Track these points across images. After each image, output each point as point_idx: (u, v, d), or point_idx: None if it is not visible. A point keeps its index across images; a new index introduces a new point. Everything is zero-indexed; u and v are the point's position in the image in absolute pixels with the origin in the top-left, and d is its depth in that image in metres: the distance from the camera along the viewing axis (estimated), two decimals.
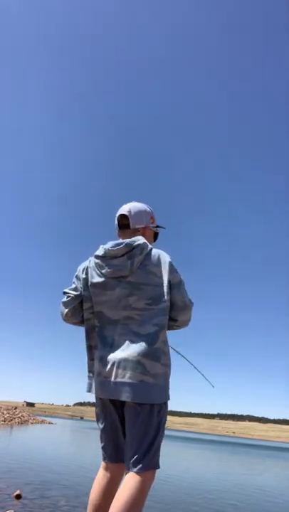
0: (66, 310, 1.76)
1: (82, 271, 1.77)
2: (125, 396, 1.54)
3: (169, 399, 1.66)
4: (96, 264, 1.71)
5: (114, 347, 1.62)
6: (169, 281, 1.65)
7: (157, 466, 1.57)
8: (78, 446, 12.83)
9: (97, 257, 1.72)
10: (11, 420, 22.43)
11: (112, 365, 1.59)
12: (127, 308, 1.63)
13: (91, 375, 1.71)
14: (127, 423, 1.59)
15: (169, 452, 14.02)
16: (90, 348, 1.72)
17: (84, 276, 1.74)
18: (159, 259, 1.68)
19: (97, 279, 1.69)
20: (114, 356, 1.60)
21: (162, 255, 1.71)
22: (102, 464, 1.75)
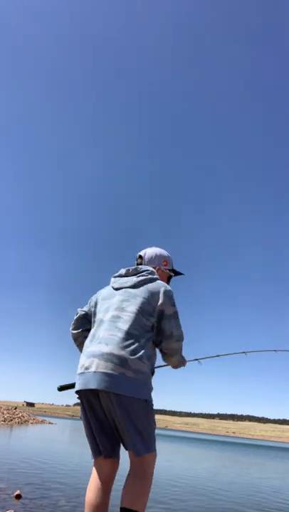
0: (72, 322, 2.04)
1: (96, 294, 2.03)
2: (104, 385, 1.60)
3: (150, 398, 1.71)
4: (111, 281, 2.01)
5: (99, 341, 1.72)
6: (162, 311, 1.81)
7: (149, 450, 1.67)
8: (78, 446, 12.83)
9: (114, 276, 2.02)
10: (11, 420, 22.43)
11: (95, 356, 1.67)
12: (119, 309, 1.79)
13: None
14: (108, 414, 1.66)
15: (169, 452, 14.03)
16: None
17: (94, 297, 2.00)
18: (160, 287, 1.87)
19: (106, 293, 1.95)
20: (98, 349, 1.69)
21: (165, 285, 1.90)
22: (96, 461, 1.76)
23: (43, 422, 32.01)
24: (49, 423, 33.22)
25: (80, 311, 2.02)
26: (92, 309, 1.96)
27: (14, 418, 23.88)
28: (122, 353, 1.64)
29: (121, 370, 1.62)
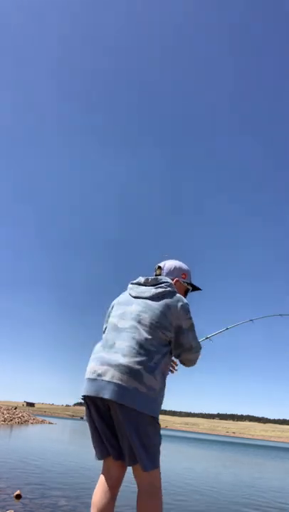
0: None
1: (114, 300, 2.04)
2: (117, 397, 1.59)
3: (157, 416, 1.71)
4: (129, 288, 2.00)
5: (115, 350, 1.70)
6: (180, 326, 1.84)
7: (148, 468, 1.65)
8: (78, 446, 12.83)
9: (132, 282, 2.03)
10: (11, 420, 22.42)
11: (110, 365, 1.65)
12: (136, 321, 1.78)
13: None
14: (116, 424, 1.66)
15: (169, 452, 14.02)
16: None
17: (112, 303, 2.03)
18: (178, 301, 1.88)
19: (124, 299, 1.95)
20: (115, 359, 1.67)
21: (182, 299, 1.91)
22: (105, 462, 1.77)
23: (43, 422, 32.01)
24: (49, 423, 33.22)
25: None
26: (108, 311, 2.00)
27: (14, 418, 23.87)
28: (138, 367, 1.64)
29: (135, 384, 1.62)
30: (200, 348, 1.95)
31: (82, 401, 1.77)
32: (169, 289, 1.90)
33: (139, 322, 1.77)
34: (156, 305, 1.82)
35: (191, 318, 1.88)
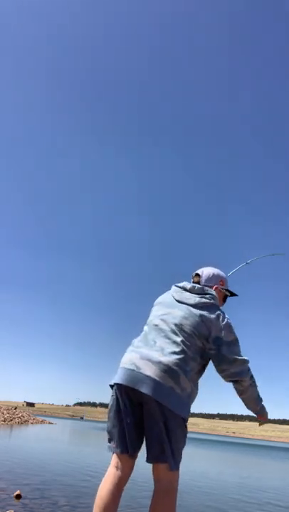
0: None
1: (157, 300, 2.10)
2: (154, 393, 1.64)
3: (187, 419, 1.75)
4: (173, 290, 2.05)
5: (156, 348, 1.76)
6: (221, 338, 1.83)
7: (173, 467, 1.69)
8: (78, 446, 12.83)
9: (176, 285, 2.06)
10: (11, 420, 22.42)
11: (151, 361, 1.70)
12: (178, 326, 1.82)
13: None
14: (148, 419, 1.69)
15: None
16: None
17: (156, 301, 2.08)
18: (220, 315, 1.90)
19: (166, 299, 2.00)
20: (156, 356, 1.72)
21: (225, 314, 1.93)
22: (120, 457, 1.74)
23: (43, 422, 32.00)
24: (49, 423, 33.21)
25: None
26: (151, 308, 2.06)
27: (14, 418, 23.87)
28: (176, 368, 1.70)
29: (171, 384, 1.67)
30: (246, 361, 1.86)
31: (112, 389, 1.78)
32: (212, 301, 1.94)
33: (180, 327, 1.81)
34: (199, 313, 1.86)
35: (234, 333, 1.89)
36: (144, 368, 1.69)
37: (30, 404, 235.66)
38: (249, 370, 1.89)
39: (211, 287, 2.09)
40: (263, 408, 1.98)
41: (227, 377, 1.88)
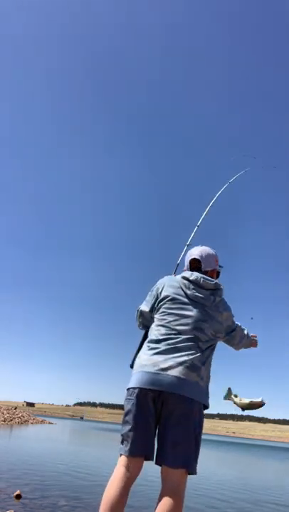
0: (142, 323, 2.13)
1: (162, 288, 2.03)
2: (183, 391, 1.69)
3: (208, 405, 1.84)
4: (183, 283, 1.98)
5: (176, 349, 1.80)
6: (230, 326, 2.00)
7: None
8: (78, 446, 12.84)
9: (185, 278, 1.99)
10: (11, 420, 22.43)
11: (174, 361, 1.75)
12: (199, 330, 1.87)
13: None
14: (176, 419, 1.69)
15: None
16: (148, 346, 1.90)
17: (159, 291, 2.03)
18: (226, 307, 2.00)
19: (178, 296, 1.95)
20: (177, 355, 1.77)
21: (228, 304, 2.02)
22: (132, 460, 1.72)
23: (43, 422, 32.02)
24: (49, 423, 33.22)
25: (148, 314, 2.05)
26: (156, 304, 2.01)
27: (14, 418, 23.88)
28: (198, 363, 1.78)
29: (197, 379, 1.76)
30: (239, 326, 2.07)
31: (131, 392, 1.77)
32: (223, 296, 2.01)
33: (200, 331, 1.86)
34: (215, 315, 1.93)
35: (232, 314, 2.02)
36: (169, 368, 1.73)
37: (30, 404, 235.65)
38: (240, 326, 2.07)
39: (212, 272, 2.10)
40: (250, 338, 2.16)
41: (231, 345, 2.09)
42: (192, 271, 2.07)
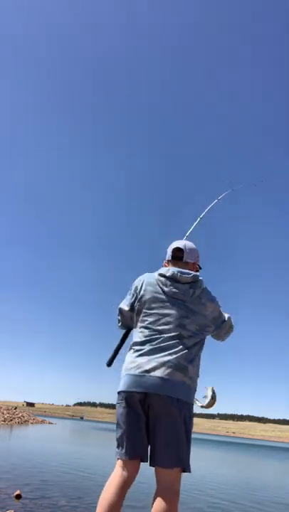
0: (121, 321, 2.09)
1: (140, 287, 1.98)
2: (169, 392, 1.68)
3: (193, 403, 1.82)
4: (159, 281, 1.94)
5: (160, 349, 1.78)
6: (216, 317, 1.94)
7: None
8: (78, 446, 12.84)
9: (162, 275, 1.94)
10: (11, 420, 22.45)
11: (158, 362, 1.73)
12: (181, 327, 1.84)
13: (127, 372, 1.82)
14: (165, 420, 1.70)
15: None
16: (130, 348, 1.89)
17: (138, 290, 1.98)
18: (209, 297, 1.94)
19: (157, 295, 1.92)
20: (161, 355, 1.76)
21: (212, 295, 1.96)
22: (128, 463, 1.74)
23: (43, 422, 32.04)
24: (49, 423, 33.24)
25: (127, 312, 2.02)
26: (135, 302, 1.96)
27: (14, 418, 23.89)
28: (184, 362, 1.76)
29: (184, 378, 1.74)
30: (228, 318, 2.03)
31: (121, 396, 1.77)
32: (203, 286, 1.93)
33: (183, 328, 1.83)
34: (197, 308, 1.88)
35: (219, 305, 1.97)
36: (154, 370, 1.71)
37: (30, 404, 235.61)
38: (229, 319, 2.03)
39: (193, 265, 2.07)
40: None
41: (224, 339, 2.08)
42: (174, 260, 2.06)
